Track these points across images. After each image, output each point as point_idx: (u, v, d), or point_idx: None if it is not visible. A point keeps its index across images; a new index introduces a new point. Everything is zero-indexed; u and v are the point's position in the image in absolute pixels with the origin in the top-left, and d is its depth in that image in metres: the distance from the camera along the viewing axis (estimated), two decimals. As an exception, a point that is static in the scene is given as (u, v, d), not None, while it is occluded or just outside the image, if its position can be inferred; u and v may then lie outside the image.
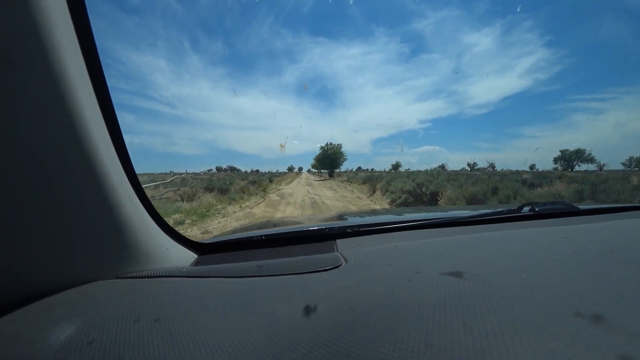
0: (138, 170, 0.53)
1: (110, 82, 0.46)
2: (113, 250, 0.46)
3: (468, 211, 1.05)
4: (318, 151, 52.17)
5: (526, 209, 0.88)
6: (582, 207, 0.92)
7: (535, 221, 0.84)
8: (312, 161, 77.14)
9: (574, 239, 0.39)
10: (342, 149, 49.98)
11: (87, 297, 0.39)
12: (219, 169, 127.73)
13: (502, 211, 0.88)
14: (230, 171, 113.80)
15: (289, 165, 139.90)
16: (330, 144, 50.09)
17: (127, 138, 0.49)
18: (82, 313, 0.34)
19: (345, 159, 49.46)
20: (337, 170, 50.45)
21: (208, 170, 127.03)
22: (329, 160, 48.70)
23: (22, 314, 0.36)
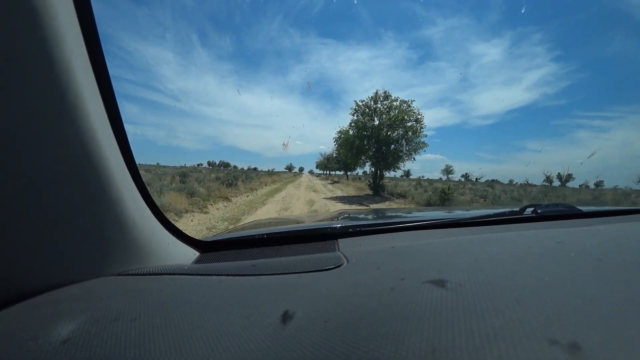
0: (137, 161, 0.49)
1: (116, 72, 0.25)
2: (114, 247, 0.45)
3: (471, 211, 1.08)
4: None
5: (529, 210, 0.88)
6: (584, 209, 0.93)
7: (535, 223, 0.84)
8: (324, 154, 47.41)
9: (567, 243, 0.40)
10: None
11: (88, 294, 0.39)
12: (210, 164, 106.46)
13: (505, 212, 0.87)
14: (224, 167, 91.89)
15: (288, 164, 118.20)
16: (385, 92, 14.65)
17: (129, 129, 0.31)
18: (83, 310, 0.34)
19: (425, 145, 14.30)
20: (386, 172, 15.86)
21: (198, 165, 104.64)
22: (374, 141, 14.46)
23: (23, 310, 0.36)
